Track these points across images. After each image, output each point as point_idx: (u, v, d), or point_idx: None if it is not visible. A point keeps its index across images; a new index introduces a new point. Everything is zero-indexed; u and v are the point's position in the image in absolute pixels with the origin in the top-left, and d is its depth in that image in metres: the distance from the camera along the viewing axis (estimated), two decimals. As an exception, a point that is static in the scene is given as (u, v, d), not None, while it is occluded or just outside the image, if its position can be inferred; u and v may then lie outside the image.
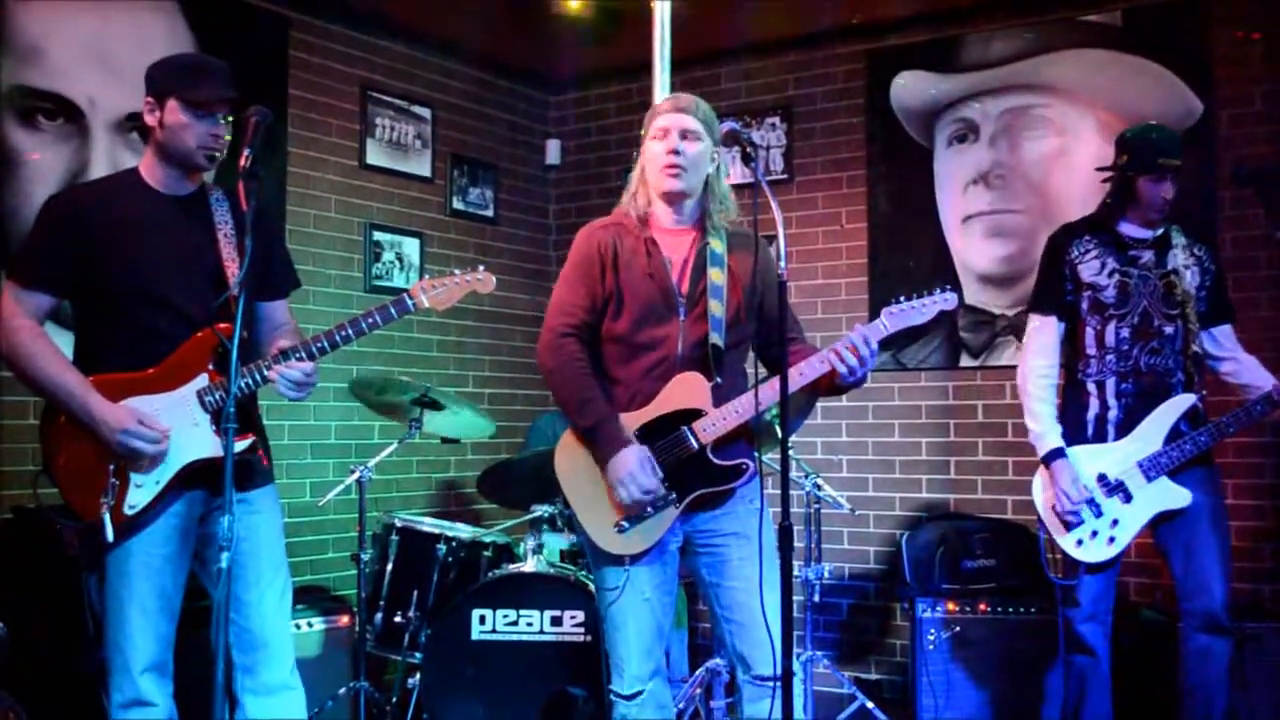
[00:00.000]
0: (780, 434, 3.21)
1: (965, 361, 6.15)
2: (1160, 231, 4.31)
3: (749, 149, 3.30)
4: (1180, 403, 4.19)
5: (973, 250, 6.17)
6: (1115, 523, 4.20)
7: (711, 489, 3.48)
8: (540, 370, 3.60)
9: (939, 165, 6.27)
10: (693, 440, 3.45)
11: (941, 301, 3.49)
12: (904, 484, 6.30)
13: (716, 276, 3.52)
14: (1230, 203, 5.54)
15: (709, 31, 6.34)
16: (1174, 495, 4.17)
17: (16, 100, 4.80)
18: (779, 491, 3.13)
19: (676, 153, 3.47)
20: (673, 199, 3.55)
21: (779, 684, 3.29)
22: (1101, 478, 4.21)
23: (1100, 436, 4.27)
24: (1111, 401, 4.26)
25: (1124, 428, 4.24)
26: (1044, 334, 4.36)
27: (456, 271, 3.58)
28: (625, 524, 3.47)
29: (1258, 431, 5.33)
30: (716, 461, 3.47)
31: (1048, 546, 4.30)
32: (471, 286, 3.58)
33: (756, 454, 3.57)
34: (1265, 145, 5.48)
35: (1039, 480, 4.34)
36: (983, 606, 5.27)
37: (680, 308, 3.51)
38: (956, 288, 6.01)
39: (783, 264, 3.14)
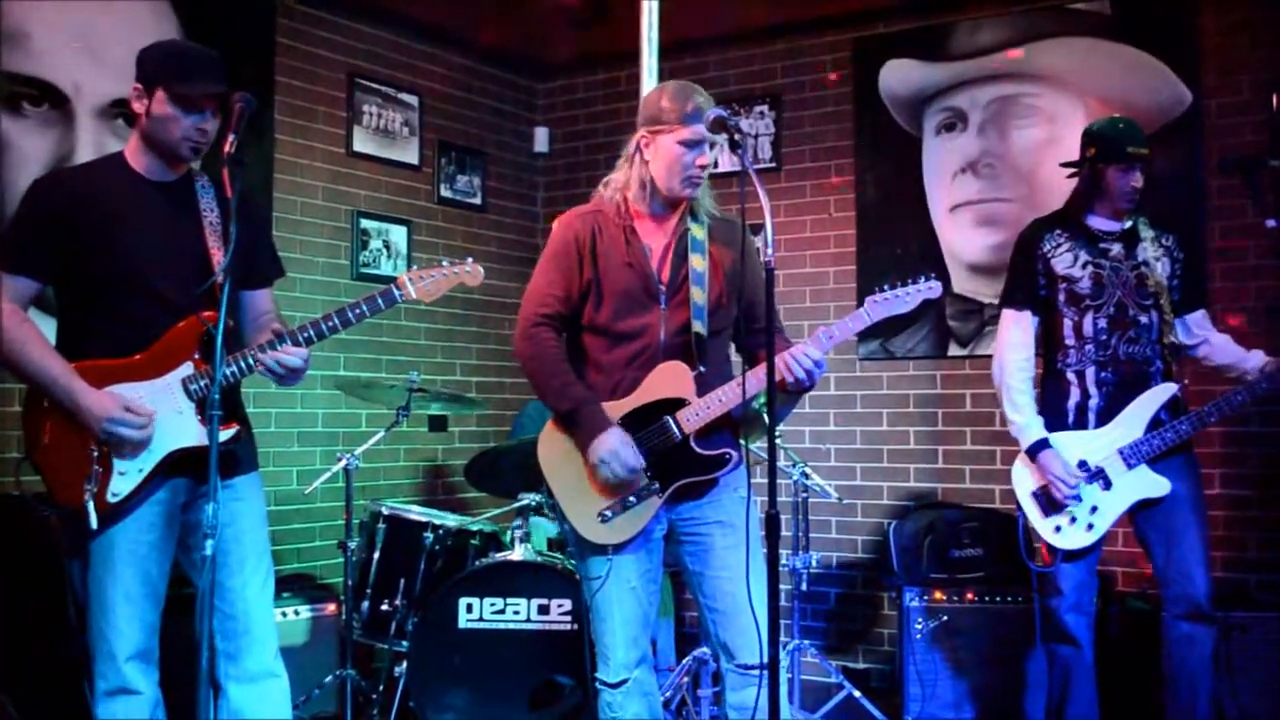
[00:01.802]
0: (768, 423, 3.21)
1: (954, 350, 6.15)
2: (1129, 224, 4.33)
3: (737, 137, 3.29)
4: (1162, 391, 4.20)
5: (961, 239, 6.17)
6: (1094, 509, 4.21)
7: (694, 478, 3.48)
8: (517, 359, 3.60)
9: (927, 154, 6.27)
10: (675, 429, 3.45)
11: (925, 290, 3.48)
12: (892, 473, 6.30)
13: (698, 263, 3.51)
14: (1217, 192, 5.54)
15: (697, 19, 6.32)
16: (1153, 484, 4.19)
17: (1, 86, 4.77)
18: (767, 480, 3.12)
19: (704, 166, 3.47)
20: (678, 201, 3.56)
21: (764, 673, 3.30)
22: (1082, 464, 4.22)
23: (1081, 424, 4.28)
24: (1092, 390, 4.27)
25: (1105, 415, 4.25)
26: (1018, 328, 4.38)
27: (445, 262, 3.55)
28: (608, 513, 3.47)
29: (1243, 421, 5.34)
30: (700, 451, 3.47)
31: (1027, 534, 4.31)
32: (460, 279, 3.55)
33: (744, 443, 3.57)
34: (1253, 134, 5.48)
35: (1019, 468, 4.34)
36: (970, 595, 5.28)
37: (661, 295, 3.50)
38: (944, 276, 6.07)
39: (770, 252, 3.14)
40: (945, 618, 5.27)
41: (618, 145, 3.64)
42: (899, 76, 6.33)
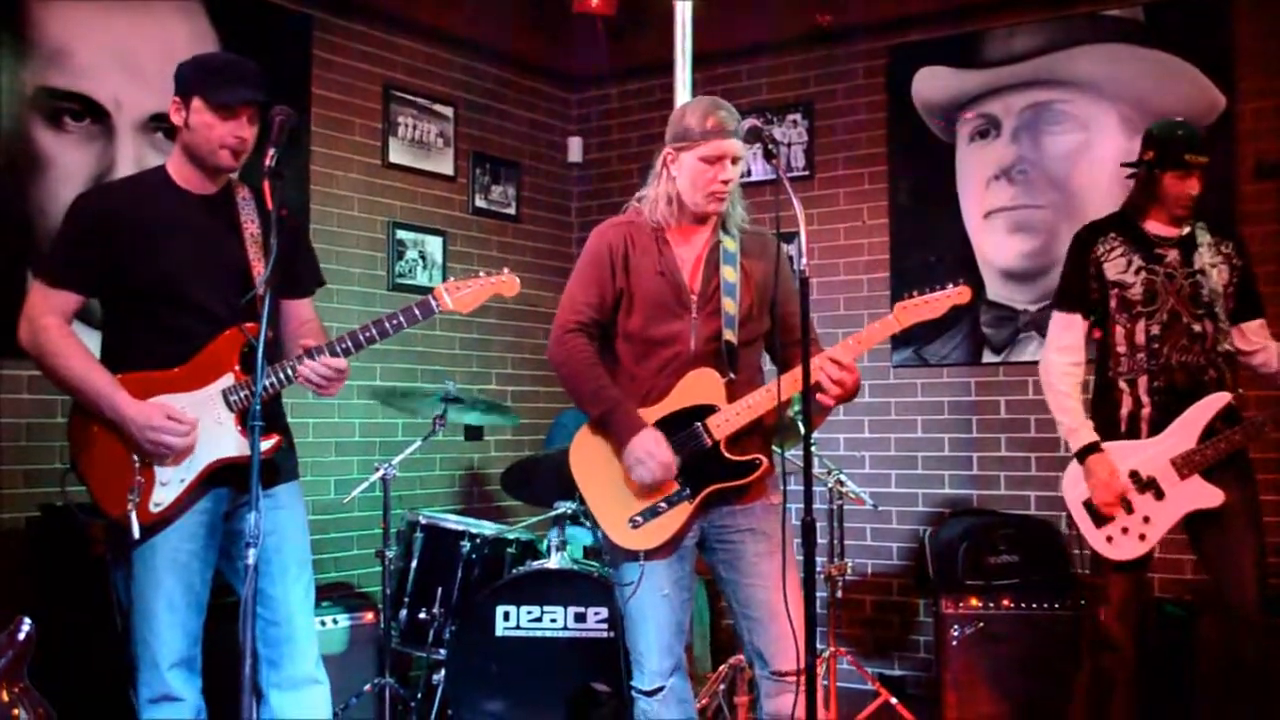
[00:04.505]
0: (803, 430, 3.22)
1: (988, 357, 6.14)
2: (1186, 230, 4.25)
3: (771, 146, 3.31)
4: (1215, 400, 4.12)
5: (995, 246, 6.16)
6: (1146, 520, 4.16)
7: (725, 484, 3.50)
8: (551, 365, 3.62)
9: (961, 161, 6.27)
10: (706, 435, 3.47)
11: (954, 295, 3.48)
12: (926, 480, 6.30)
13: (729, 274, 3.53)
14: (1252, 197, 5.51)
15: (730, 28, 6.35)
16: (1207, 494, 4.11)
17: (43, 102, 4.84)
18: (802, 487, 3.13)
19: (728, 182, 3.49)
20: (706, 216, 3.58)
21: (799, 679, 3.32)
22: (1134, 474, 4.16)
23: (1133, 434, 4.20)
24: (1144, 399, 4.18)
25: (1158, 424, 4.17)
26: (1069, 331, 4.32)
27: (482, 273, 3.57)
28: (639, 518, 3.49)
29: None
30: (730, 457, 3.48)
31: (1078, 543, 4.26)
32: (497, 289, 3.57)
33: (780, 450, 3.58)
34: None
35: (1070, 474, 4.28)
36: (1006, 602, 5.26)
37: (692, 304, 3.52)
38: (978, 283, 6.06)
39: (804, 260, 3.15)
40: (981, 624, 5.26)
41: (651, 155, 3.66)
42: (932, 84, 6.34)
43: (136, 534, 3.26)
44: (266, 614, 3.42)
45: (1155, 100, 5.73)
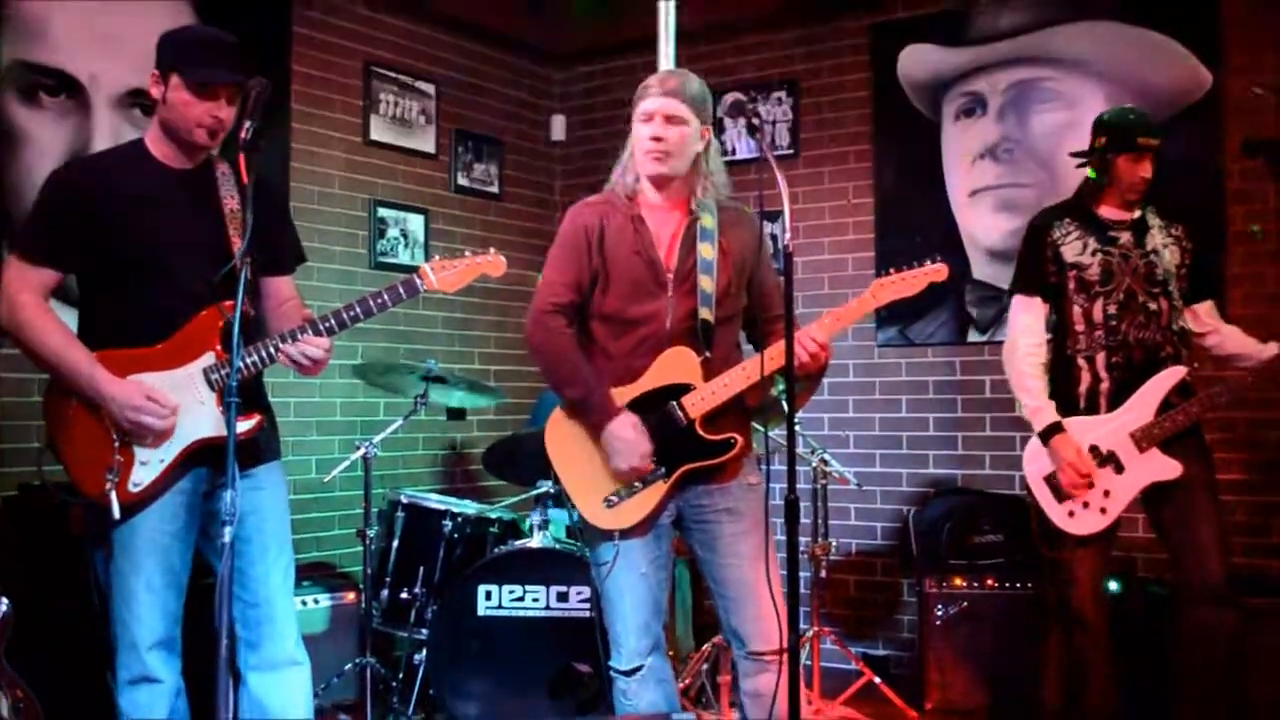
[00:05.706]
0: (787, 409, 3.20)
1: (973, 336, 6.13)
2: (1137, 214, 4.31)
3: (755, 121, 3.28)
4: (1171, 374, 4.18)
5: (980, 224, 6.14)
6: (1107, 494, 4.19)
7: (700, 463, 3.48)
8: (528, 347, 3.60)
9: (946, 139, 6.24)
10: (681, 414, 3.45)
11: (931, 273, 3.47)
12: (911, 459, 6.29)
13: (706, 252, 3.50)
14: (1239, 175, 5.50)
15: (714, 5, 6.31)
16: (1165, 466, 4.15)
17: (18, 76, 4.78)
18: (785, 467, 3.11)
19: (658, 139, 3.45)
20: (657, 181, 3.54)
21: (779, 659, 3.31)
22: (1094, 449, 4.20)
23: (1092, 409, 4.26)
24: (1103, 374, 4.24)
25: (1116, 399, 4.23)
26: (1028, 314, 4.37)
27: (468, 253, 3.53)
28: (614, 498, 3.47)
29: (1264, 406, 5.30)
30: (706, 436, 3.46)
31: (1039, 518, 4.29)
32: (482, 269, 3.53)
33: (762, 429, 3.56)
34: (1275, 116, 5.42)
35: (1031, 449, 4.32)
36: (990, 581, 5.27)
37: (668, 283, 3.50)
38: (964, 262, 6.05)
39: (787, 237, 3.13)
40: (965, 604, 5.27)
41: (632, 132, 3.64)
42: (917, 61, 6.30)
43: (116, 514, 3.22)
44: (245, 595, 3.40)
45: (1141, 77, 5.71)
